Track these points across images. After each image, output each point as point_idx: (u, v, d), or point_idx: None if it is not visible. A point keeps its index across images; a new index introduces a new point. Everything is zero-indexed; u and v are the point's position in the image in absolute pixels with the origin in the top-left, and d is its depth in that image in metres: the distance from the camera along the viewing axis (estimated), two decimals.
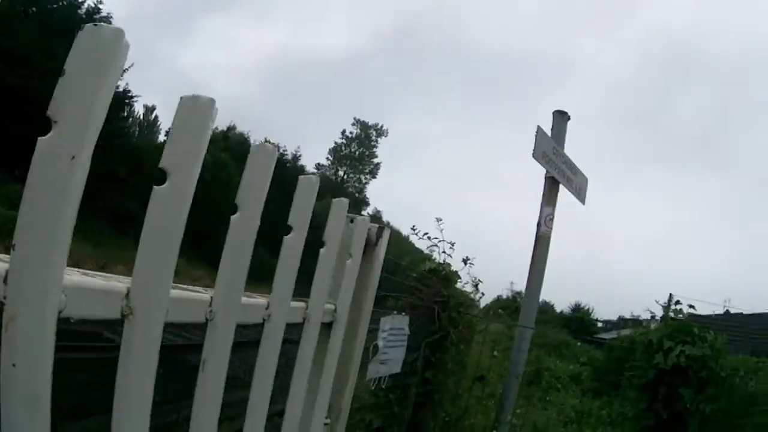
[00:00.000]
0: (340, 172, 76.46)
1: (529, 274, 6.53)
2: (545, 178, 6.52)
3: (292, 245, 1.64)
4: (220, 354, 1.38)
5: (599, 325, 44.92)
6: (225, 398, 1.42)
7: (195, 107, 1.15)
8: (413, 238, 5.78)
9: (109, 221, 27.00)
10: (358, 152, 77.88)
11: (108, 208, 26.68)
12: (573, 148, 6.85)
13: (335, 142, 77.73)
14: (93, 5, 33.67)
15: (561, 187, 6.65)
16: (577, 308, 49.65)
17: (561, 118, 6.84)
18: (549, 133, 6.54)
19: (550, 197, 6.54)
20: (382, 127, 78.10)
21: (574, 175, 6.96)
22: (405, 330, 3.99)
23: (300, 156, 55.65)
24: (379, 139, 78.09)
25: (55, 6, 32.51)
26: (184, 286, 1.30)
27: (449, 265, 5.27)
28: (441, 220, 5.30)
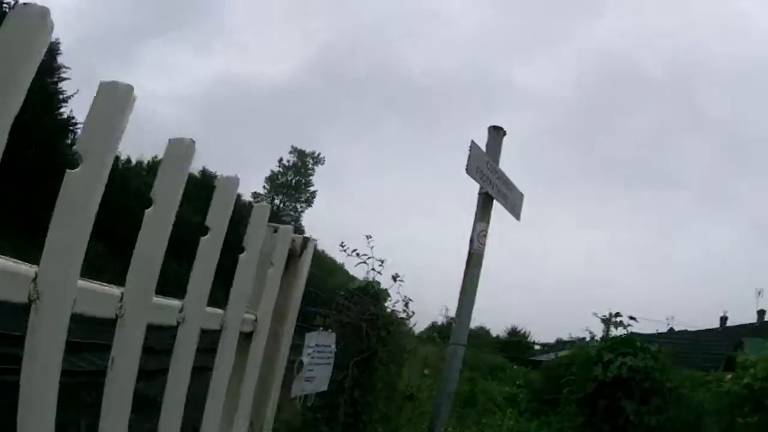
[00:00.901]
0: (276, 201, 75.38)
1: (461, 290, 6.20)
2: (479, 194, 6.31)
3: (209, 247, 1.59)
4: (130, 353, 1.34)
5: (537, 348, 44.67)
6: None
7: (113, 93, 1.15)
8: (348, 266, 5.79)
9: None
10: (294, 180, 77.20)
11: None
12: (508, 168, 6.61)
13: (272, 171, 76.91)
14: None
15: (495, 204, 6.42)
16: (513, 332, 49.15)
17: (496, 133, 6.64)
18: (484, 149, 6.32)
19: (483, 213, 6.31)
20: (319, 154, 77.89)
21: (509, 190, 6.79)
22: (331, 347, 3.96)
23: None
24: (315, 166, 77.78)
25: None
26: (97, 282, 1.27)
27: (378, 283, 5.29)
28: (371, 237, 5.32)
